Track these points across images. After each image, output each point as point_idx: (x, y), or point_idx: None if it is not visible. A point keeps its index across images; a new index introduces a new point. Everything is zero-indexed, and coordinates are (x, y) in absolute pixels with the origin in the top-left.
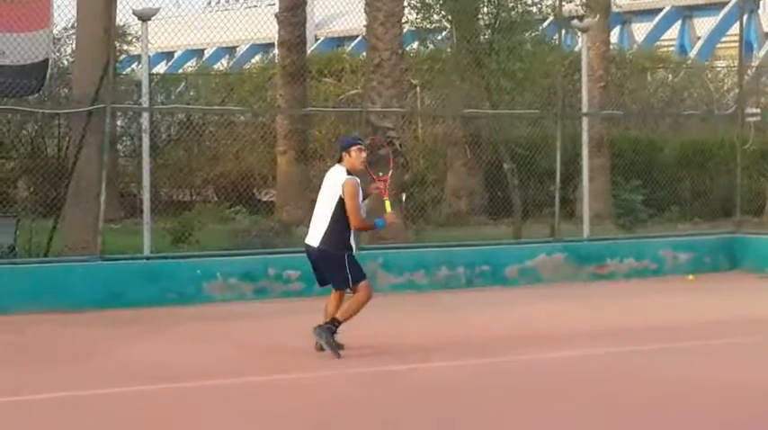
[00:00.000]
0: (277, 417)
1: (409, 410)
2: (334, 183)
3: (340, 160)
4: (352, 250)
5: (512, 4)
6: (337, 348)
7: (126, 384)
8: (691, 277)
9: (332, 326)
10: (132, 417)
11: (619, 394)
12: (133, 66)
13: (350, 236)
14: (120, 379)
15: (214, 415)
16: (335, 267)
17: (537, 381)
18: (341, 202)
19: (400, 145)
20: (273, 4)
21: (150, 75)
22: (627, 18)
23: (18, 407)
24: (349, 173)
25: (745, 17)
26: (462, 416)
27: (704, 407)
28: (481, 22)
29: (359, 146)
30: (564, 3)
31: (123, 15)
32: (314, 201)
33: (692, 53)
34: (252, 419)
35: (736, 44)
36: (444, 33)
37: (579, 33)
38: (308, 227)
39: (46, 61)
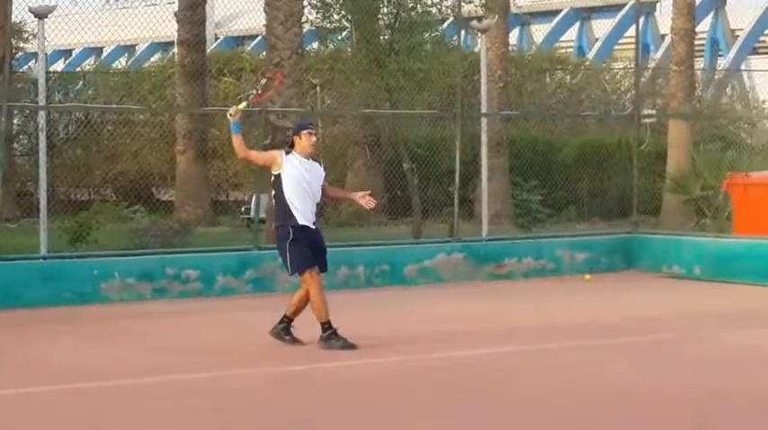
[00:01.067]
0: (178, 418)
1: (313, 409)
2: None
3: (292, 145)
4: (293, 237)
5: (411, 5)
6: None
7: (30, 384)
8: (588, 277)
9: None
10: (32, 418)
11: (514, 392)
12: (30, 63)
13: (285, 213)
14: (23, 379)
15: (114, 416)
16: (279, 251)
17: (436, 380)
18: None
19: None
20: (173, 3)
21: (47, 73)
22: (526, 19)
23: None
24: (294, 154)
25: (641, 19)
26: (366, 416)
27: (598, 409)
28: (381, 22)
29: (309, 129)
30: (463, 3)
31: (19, 12)
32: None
33: (590, 55)
34: (153, 419)
35: (633, 46)
36: (344, 33)
37: (479, 34)
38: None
39: None
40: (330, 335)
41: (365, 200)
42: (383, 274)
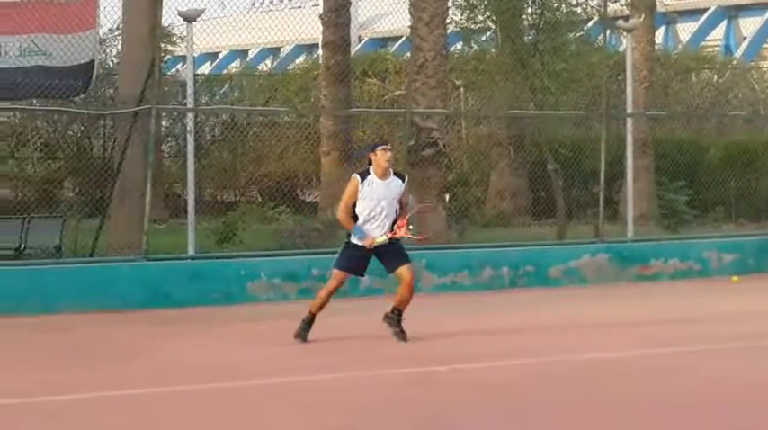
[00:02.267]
0: (325, 416)
1: (453, 411)
2: None
3: (369, 163)
4: (349, 244)
5: (556, 5)
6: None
7: (175, 384)
8: (736, 278)
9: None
10: (181, 417)
11: (658, 393)
12: (178, 66)
13: (356, 227)
14: (168, 378)
15: (266, 414)
16: None
17: (579, 382)
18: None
19: (444, 145)
20: (318, 5)
21: (195, 75)
22: (672, 18)
23: (69, 405)
24: (372, 172)
25: None
26: (507, 416)
27: (752, 409)
28: (525, 23)
29: (384, 146)
30: (609, 3)
31: (168, 16)
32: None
33: (738, 53)
34: (298, 418)
35: None
36: (489, 34)
37: (624, 34)
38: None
39: (92, 62)
40: (303, 321)
41: (401, 231)
42: (528, 275)
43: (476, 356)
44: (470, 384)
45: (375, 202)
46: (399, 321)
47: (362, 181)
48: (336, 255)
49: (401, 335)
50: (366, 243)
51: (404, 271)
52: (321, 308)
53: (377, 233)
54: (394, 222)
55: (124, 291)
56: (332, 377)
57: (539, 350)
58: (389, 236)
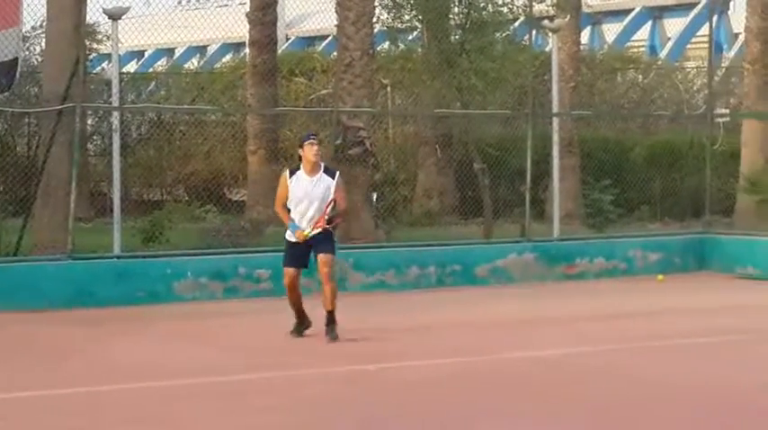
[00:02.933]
0: (253, 416)
1: (386, 408)
2: None
3: (300, 159)
4: (289, 239)
5: (483, 4)
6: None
7: (104, 383)
8: (660, 277)
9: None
10: (112, 417)
11: (594, 393)
12: (103, 65)
13: (290, 223)
14: (97, 378)
15: (184, 415)
16: None
17: (505, 380)
18: None
19: (371, 144)
20: (244, 4)
21: (120, 74)
22: (597, 19)
23: (2, 405)
24: (302, 168)
25: (714, 18)
26: (435, 414)
27: (682, 408)
28: (452, 22)
29: (310, 140)
30: (535, 3)
31: (93, 14)
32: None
33: (663, 54)
34: (228, 417)
35: (706, 45)
36: (415, 33)
37: (550, 34)
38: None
39: (15, 60)
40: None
41: (320, 223)
42: (454, 274)
43: (404, 355)
44: (398, 382)
45: (301, 199)
46: (333, 322)
47: (290, 176)
48: None
49: (335, 334)
50: (297, 236)
51: (319, 259)
52: (294, 306)
53: (308, 226)
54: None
55: (49, 291)
56: (258, 376)
57: (466, 349)
58: (315, 227)
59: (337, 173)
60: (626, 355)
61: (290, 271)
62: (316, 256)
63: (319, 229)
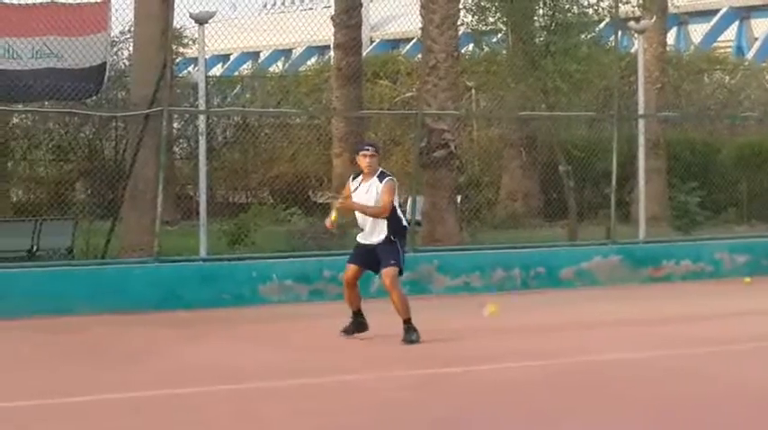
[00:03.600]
0: (335, 418)
1: (467, 412)
2: None
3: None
4: (357, 242)
5: (568, 6)
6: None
7: (187, 385)
8: (748, 280)
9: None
10: (194, 418)
11: (683, 396)
12: (189, 68)
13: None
14: (181, 380)
15: (274, 416)
16: None
17: (595, 382)
18: None
19: (456, 147)
20: (329, 7)
21: (206, 77)
22: (684, 19)
23: (85, 407)
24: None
25: None
26: (523, 417)
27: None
28: (537, 24)
29: (363, 151)
30: (620, 4)
31: (180, 18)
32: None
33: (750, 54)
34: (311, 420)
35: None
36: (500, 35)
37: (636, 35)
38: (363, 229)
39: (104, 64)
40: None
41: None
42: (539, 277)
43: (490, 358)
44: (485, 385)
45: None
46: (409, 329)
47: (353, 181)
48: None
49: (411, 338)
50: (326, 223)
51: (382, 273)
52: (352, 305)
53: (370, 232)
54: (390, 221)
55: (136, 293)
56: (345, 379)
57: (552, 351)
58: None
59: (388, 177)
60: (710, 358)
61: (350, 266)
62: (377, 271)
63: (337, 207)
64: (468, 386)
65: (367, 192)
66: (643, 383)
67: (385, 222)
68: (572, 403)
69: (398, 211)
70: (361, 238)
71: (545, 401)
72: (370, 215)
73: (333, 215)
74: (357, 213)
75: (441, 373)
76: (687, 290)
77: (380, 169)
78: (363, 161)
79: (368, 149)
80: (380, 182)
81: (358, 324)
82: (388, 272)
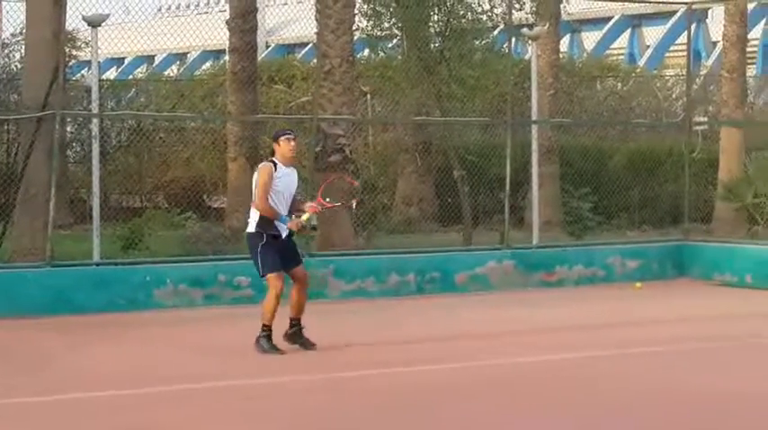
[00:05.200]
0: (232, 422)
1: (361, 417)
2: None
3: (272, 153)
4: (268, 238)
5: (462, 12)
6: (273, 351)
7: (82, 390)
8: (639, 284)
9: (262, 331)
10: (92, 424)
11: (558, 398)
12: (83, 71)
13: (283, 218)
14: (76, 385)
15: (170, 420)
16: (251, 253)
17: (484, 387)
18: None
19: (351, 152)
20: (225, 11)
21: (100, 80)
22: (577, 27)
23: None
24: (277, 163)
25: (693, 26)
26: (415, 423)
27: (661, 413)
28: (432, 30)
29: (287, 135)
30: (514, 11)
31: (73, 21)
32: None
33: (642, 62)
34: (200, 425)
35: (685, 53)
36: (395, 41)
37: (529, 41)
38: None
39: None
40: (264, 336)
41: (323, 203)
42: (434, 281)
43: (384, 363)
44: (379, 390)
45: (281, 192)
46: (301, 331)
47: (276, 170)
48: (258, 264)
49: (308, 344)
50: (292, 226)
51: (299, 271)
52: (273, 314)
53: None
54: (290, 212)
55: (28, 298)
56: (237, 383)
57: (446, 356)
58: (315, 206)
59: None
60: (605, 361)
61: (278, 275)
62: (290, 268)
63: (313, 213)
64: (363, 391)
65: (290, 179)
66: (539, 388)
67: None
68: (465, 408)
69: None
70: (282, 230)
71: (438, 407)
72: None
73: (306, 217)
74: (278, 204)
75: (336, 378)
76: (580, 294)
77: None
78: (288, 145)
79: (291, 134)
80: (296, 175)
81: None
82: (304, 268)
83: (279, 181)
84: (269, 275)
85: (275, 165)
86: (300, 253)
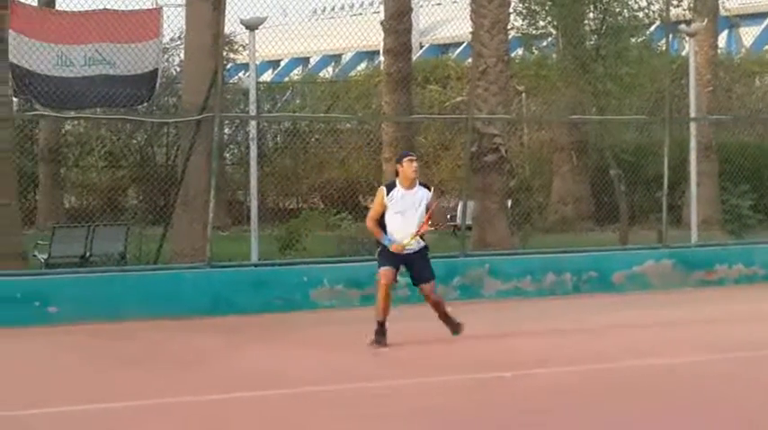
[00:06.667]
0: (387, 422)
1: (519, 417)
2: None
3: (397, 174)
4: (383, 246)
5: (618, 9)
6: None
7: (243, 390)
8: None
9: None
10: (250, 423)
11: (718, 399)
12: (240, 74)
13: (385, 236)
14: (236, 384)
15: (318, 422)
16: None
17: (652, 387)
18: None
19: (506, 151)
20: (379, 12)
21: (257, 83)
22: (735, 22)
23: (140, 411)
24: (399, 183)
25: None
26: (576, 422)
27: None
28: (587, 28)
29: (409, 157)
30: (671, 7)
31: (231, 24)
32: None
33: None
34: (354, 425)
35: None
36: (550, 39)
37: (686, 38)
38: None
39: (155, 71)
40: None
41: (424, 227)
42: (591, 281)
43: (541, 362)
44: (536, 390)
45: (399, 212)
46: (447, 317)
47: (388, 193)
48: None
49: (456, 327)
50: (394, 249)
51: (424, 288)
52: (385, 311)
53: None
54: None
55: (188, 299)
56: (396, 383)
57: (606, 356)
58: (415, 234)
59: (432, 188)
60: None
61: (387, 271)
62: (417, 283)
63: (415, 240)
64: (520, 390)
65: (412, 199)
66: (700, 388)
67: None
68: (628, 407)
69: None
70: (389, 247)
71: (600, 406)
72: (425, 230)
73: (407, 241)
74: (394, 224)
75: (493, 378)
76: (740, 294)
77: (418, 179)
78: (410, 167)
79: (412, 155)
80: (429, 191)
81: (382, 333)
82: (431, 287)
83: (395, 203)
84: (379, 272)
85: (391, 188)
86: (431, 272)
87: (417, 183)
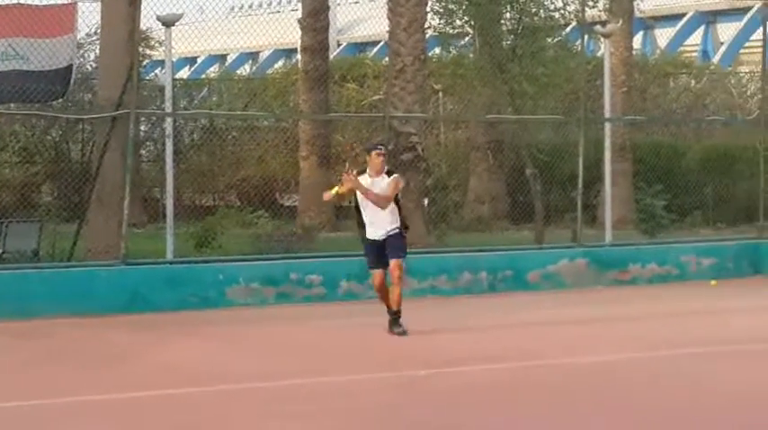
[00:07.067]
0: (296, 422)
1: (434, 415)
2: None
3: (365, 161)
4: (366, 239)
5: (534, 10)
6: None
7: (159, 387)
8: (713, 282)
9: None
10: (165, 420)
11: (647, 399)
12: (156, 71)
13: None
14: (152, 382)
15: (234, 419)
16: None
17: (554, 386)
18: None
19: (422, 150)
20: (296, 10)
21: (173, 80)
22: (650, 23)
23: (55, 409)
24: (368, 172)
25: None
26: (491, 420)
27: (728, 411)
28: (504, 28)
29: (377, 150)
30: (587, 8)
31: (147, 20)
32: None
33: (715, 59)
34: (271, 423)
35: (760, 49)
36: (467, 39)
37: (602, 39)
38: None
39: (70, 67)
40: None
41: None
42: (506, 280)
43: (456, 360)
44: (451, 388)
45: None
46: (398, 320)
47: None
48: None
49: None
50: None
51: (390, 264)
52: (386, 301)
53: (382, 224)
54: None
55: (103, 296)
56: (305, 382)
57: (518, 354)
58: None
59: (395, 174)
60: (673, 362)
61: (376, 272)
62: (387, 260)
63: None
64: (435, 389)
65: (384, 188)
66: (611, 386)
67: (397, 216)
68: (539, 406)
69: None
70: (370, 234)
71: (512, 405)
72: (372, 199)
73: (337, 189)
74: (367, 209)
75: (408, 376)
76: (653, 293)
77: (386, 167)
78: (377, 159)
79: (380, 148)
80: (388, 177)
81: (398, 319)
82: (399, 262)
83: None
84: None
85: (361, 174)
86: (400, 252)
87: (384, 171)
